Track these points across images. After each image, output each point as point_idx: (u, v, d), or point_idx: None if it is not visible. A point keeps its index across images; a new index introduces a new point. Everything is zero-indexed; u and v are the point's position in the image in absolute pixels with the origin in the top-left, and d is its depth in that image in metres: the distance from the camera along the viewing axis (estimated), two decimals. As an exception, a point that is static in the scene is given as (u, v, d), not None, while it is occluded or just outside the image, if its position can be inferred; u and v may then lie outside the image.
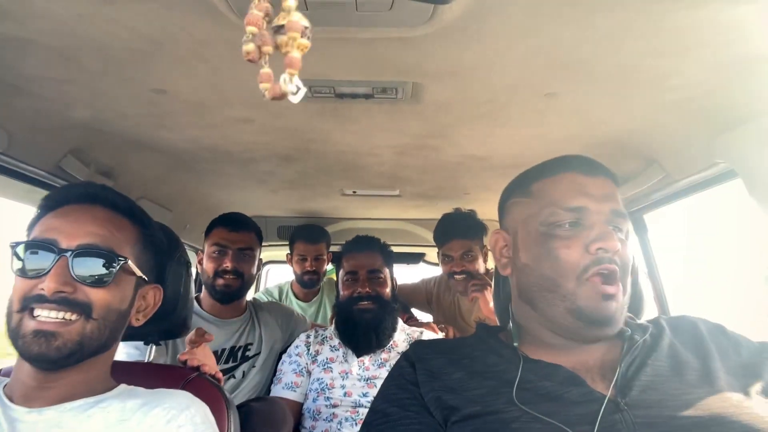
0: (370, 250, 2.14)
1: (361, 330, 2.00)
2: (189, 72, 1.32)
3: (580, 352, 1.02)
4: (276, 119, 1.69)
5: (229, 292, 2.17)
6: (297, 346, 2.09)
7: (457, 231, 2.69)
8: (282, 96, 0.64)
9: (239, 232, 2.22)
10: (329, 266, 3.30)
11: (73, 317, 0.97)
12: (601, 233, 0.97)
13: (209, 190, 2.66)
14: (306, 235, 3.06)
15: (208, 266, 2.17)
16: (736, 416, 0.86)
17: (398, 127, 1.75)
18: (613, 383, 0.94)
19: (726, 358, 1.00)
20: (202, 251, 2.25)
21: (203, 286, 2.24)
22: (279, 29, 0.63)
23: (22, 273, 0.99)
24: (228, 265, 2.15)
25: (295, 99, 0.65)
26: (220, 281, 2.15)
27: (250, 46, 0.62)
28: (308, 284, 3.10)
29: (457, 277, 2.67)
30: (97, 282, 1.00)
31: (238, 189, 2.70)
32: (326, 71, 1.33)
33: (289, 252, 3.14)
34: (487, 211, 3.11)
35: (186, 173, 2.31)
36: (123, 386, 1.11)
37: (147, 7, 1.04)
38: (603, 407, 0.89)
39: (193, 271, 2.09)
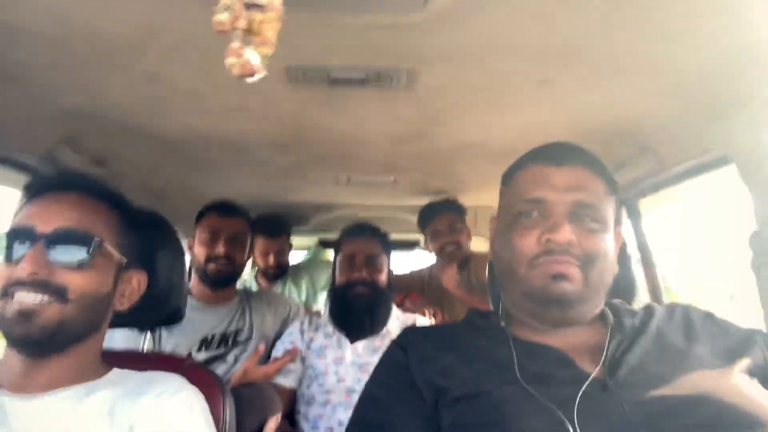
0: (369, 236, 2.15)
1: (354, 314, 2.00)
2: (182, 58, 1.32)
3: (566, 335, 1.03)
4: (270, 107, 1.68)
5: (221, 277, 2.18)
6: (291, 333, 2.10)
7: (441, 207, 2.94)
8: (252, 73, 0.63)
9: (231, 218, 2.23)
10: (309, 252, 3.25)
11: (50, 300, 0.98)
12: (553, 225, 0.98)
13: (203, 178, 2.65)
14: (266, 228, 2.97)
15: (200, 252, 2.17)
16: (722, 395, 0.87)
17: (393, 114, 1.75)
18: (601, 364, 0.96)
19: (715, 342, 1.01)
20: (193, 238, 2.24)
21: (193, 272, 2.23)
22: (252, 6, 0.62)
23: (6, 260, 1.01)
24: (221, 250, 2.16)
25: (251, 79, 0.65)
26: (212, 266, 2.15)
27: (224, 16, 0.61)
28: (274, 278, 3.09)
29: (449, 249, 2.88)
30: (74, 264, 1.01)
31: (232, 177, 2.69)
32: (320, 57, 1.33)
33: (249, 246, 2.86)
34: (482, 197, 3.13)
35: (180, 161, 2.30)
36: (116, 370, 1.12)
37: (138, -8, 1.03)
38: (584, 387, 0.90)
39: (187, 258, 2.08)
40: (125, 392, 1.05)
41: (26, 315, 0.96)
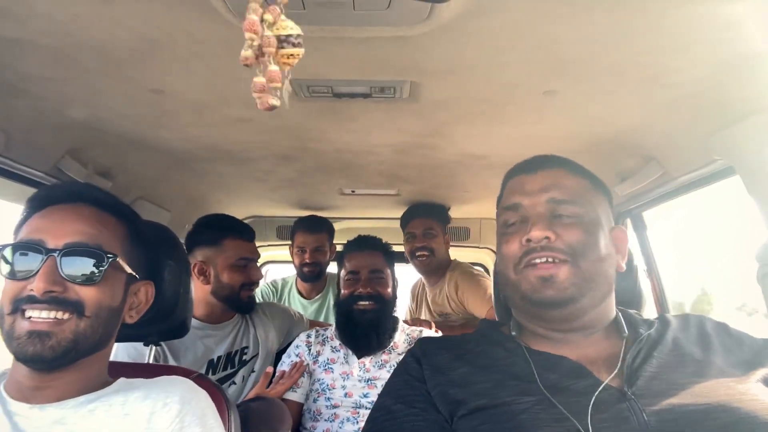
0: (373, 250, 2.13)
1: (361, 330, 1.99)
2: (187, 71, 1.32)
3: (580, 346, 1.04)
4: (274, 118, 1.69)
5: (253, 302, 2.21)
6: (297, 347, 2.08)
7: (418, 210, 2.90)
8: (270, 109, 0.67)
9: (254, 242, 2.24)
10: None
11: (66, 316, 0.97)
12: (530, 225, 1.02)
13: (208, 190, 2.66)
14: (305, 224, 2.99)
15: (234, 278, 2.10)
16: (741, 403, 0.87)
17: (396, 126, 1.75)
18: (616, 373, 0.96)
19: (730, 353, 1.01)
20: (203, 262, 2.10)
21: (211, 293, 2.11)
22: (284, 41, 0.65)
23: (11, 275, 0.98)
24: (257, 276, 2.18)
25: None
26: (246, 293, 2.14)
27: (248, 53, 0.64)
28: (308, 277, 3.01)
29: (419, 254, 2.85)
30: (87, 280, 1.00)
31: (236, 188, 2.70)
32: (324, 71, 1.33)
33: (290, 245, 3.06)
34: (486, 209, 3.12)
35: (184, 173, 2.31)
36: (122, 380, 1.11)
37: (145, 6, 1.03)
38: (597, 393, 0.90)
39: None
40: (136, 398, 1.05)
41: (39, 335, 0.95)
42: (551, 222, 1.01)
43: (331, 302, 3.07)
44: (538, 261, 0.99)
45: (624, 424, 0.87)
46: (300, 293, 3.13)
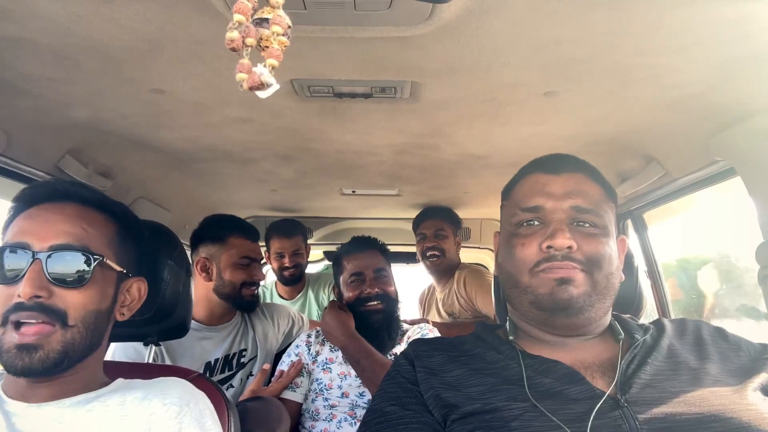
0: (373, 250, 2.13)
1: (373, 331, 1.98)
2: (188, 72, 1.32)
3: (576, 350, 1.03)
4: (275, 119, 1.69)
5: (256, 301, 2.20)
6: (297, 346, 2.08)
7: (430, 212, 3.02)
8: (260, 86, 0.64)
9: (258, 243, 2.24)
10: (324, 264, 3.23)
11: (52, 328, 0.95)
12: (552, 231, 0.99)
13: (208, 189, 2.66)
14: (280, 230, 3.00)
15: (236, 276, 2.10)
16: (735, 413, 0.86)
17: (397, 126, 1.75)
18: (615, 381, 0.95)
19: (726, 360, 1.00)
20: (207, 259, 2.12)
21: (213, 290, 2.12)
22: (261, 22, 0.63)
23: (1, 279, 0.97)
24: (259, 276, 2.17)
25: (264, 94, 0.66)
26: (248, 291, 2.13)
27: (234, 34, 0.62)
28: (289, 281, 3.04)
29: (429, 254, 2.95)
30: (75, 282, 0.98)
31: (237, 189, 2.70)
32: (325, 71, 1.33)
33: (266, 250, 3.06)
34: (486, 210, 3.13)
35: (185, 173, 2.31)
36: (120, 380, 1.11)
37: (146, 7, 1.03)
38: (600, 403, 0.89)
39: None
40: (134, 399, 1.04)
41: (27, 348, 0.93)
42: (573, 230, 1.00)
43: (312, 299, 3.12)
44: (556, 269, 0.97)
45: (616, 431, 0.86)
46: (281, 296, 3.15)
